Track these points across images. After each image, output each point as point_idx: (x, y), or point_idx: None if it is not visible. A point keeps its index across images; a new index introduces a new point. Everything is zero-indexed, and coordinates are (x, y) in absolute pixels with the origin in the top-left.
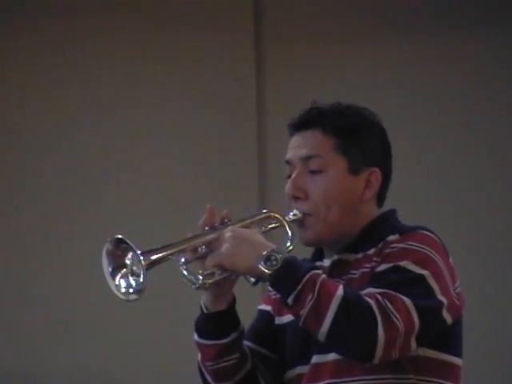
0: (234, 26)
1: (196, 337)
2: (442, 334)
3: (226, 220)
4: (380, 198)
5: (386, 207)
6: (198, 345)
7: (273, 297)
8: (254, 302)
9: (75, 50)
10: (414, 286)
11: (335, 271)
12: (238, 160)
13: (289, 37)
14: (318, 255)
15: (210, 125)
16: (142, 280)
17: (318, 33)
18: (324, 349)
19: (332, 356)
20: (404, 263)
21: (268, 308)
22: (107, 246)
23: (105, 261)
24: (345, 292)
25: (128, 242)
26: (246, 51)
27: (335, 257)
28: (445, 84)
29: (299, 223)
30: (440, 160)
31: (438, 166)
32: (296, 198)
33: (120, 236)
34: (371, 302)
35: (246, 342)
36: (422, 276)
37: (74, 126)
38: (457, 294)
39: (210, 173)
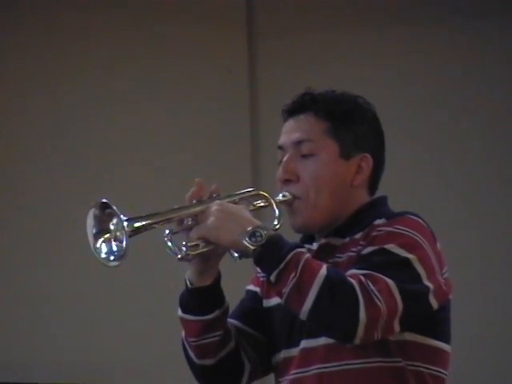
0: (226, 17)
1: (180, 312)
2: (429, 319)
3: (214, 195)
4: (372, 186)
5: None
6: (182, 320)
7: (261, 278)
8: (240, 282)
9: (69, 45)
10: (399, 270)
11: (322, 255)
12: (232, 150)
13: (281, 28)
14: (308, 239)
15: (204, 115)
16: (124, 246)
17: (310, 24)
18: (314, 333)
19: (322, 341)
20: (390, 246)
21: (256, 289)
22: (93, 210)
23: (89, 223)
24: (328, 271)
25: (113, 207)
26: (238, 42)
27: (322, 241)
28: (439, 73)
29: (288, 209)
30: (436, 150)
31: (434, 157)
32: (287, 181)
33: (105, 200)
34: (354, 282)
35: (232, 321)
36: (407, 260)
37: (67, 117)
38: (444, 279)
39: (203, 163)
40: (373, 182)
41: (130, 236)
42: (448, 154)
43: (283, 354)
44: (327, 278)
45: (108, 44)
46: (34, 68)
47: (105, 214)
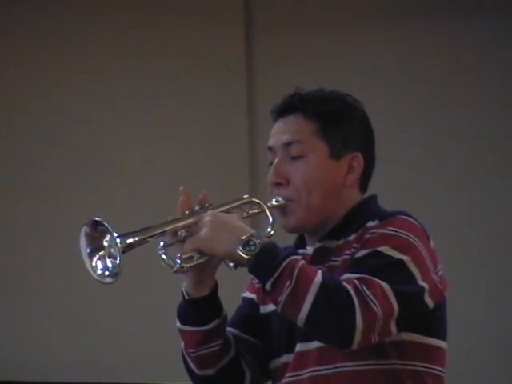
0: (224, 14)
1: (178, 323)
2: (426, 317)
3: (206, 204)
4: (363, 184)
5: (382, 195)
6: (180, 331)
7: (256, 285)
8: (237, 290)
9: (68, 42)
10: (394, 272)
11: (317, 259)
12: (229, 148)
13: (279, 25)
14: (301, 243)
15: (201, 113)
16: (118, 262)
17: (307, 21)
18: (307, 337)
19: (316, 344)
20: (383, 248)
21: (252, 296)
22: (85, 228)
23: (83, 243)
24: (323, 278)
25: (105, 224)
26: (236, 40)
27: (317, 244)
28: (435, 71)
29: (281, 210)
30: (432, 147)
31: (434, 155)
32: (277, 185)
33: (97, 218)
34: (349, 287)
35: (230, 329)
36: (401, 261)
37: (66, 116)
38: (439, 277)
39: (200, 161)
40: (364, 181)
41: (123, 252)
42: (448, 153)
43: (284, 358)
44: (322, 284)
45: (105, 41)
46: (34, 68)
47: (97, 231)
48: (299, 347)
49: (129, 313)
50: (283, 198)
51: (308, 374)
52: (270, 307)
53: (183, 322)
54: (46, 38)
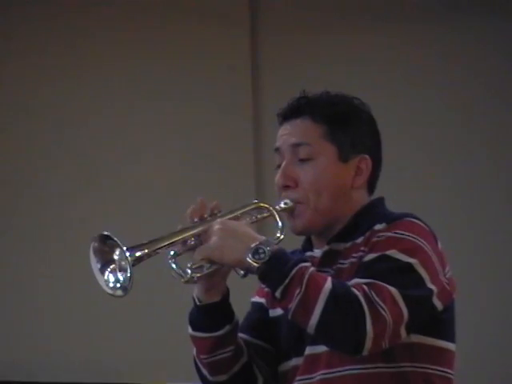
0: (229, 14)
1: (190, 330)
2: (435, 320)
3: (215, 211)
4: (370, 186)
5: (387, 196)
6: (192, 338)
7: (265, 289)
8: (248, 295)
9: (69, 44)
10: (402, 275)
11: (326, 261)
12: (234, 148)
13: (284, 25)
14: (309, 245)
15: (206, 113)
16: (128, 275)
17: (313, 22)
18: (317, 340)
19: (325, 347)
20: (391, 252)
21: (261, 300)
22: (93, 244)
23: (93, 259)
24: (333, 285)
25: (114, 238)
26: (241, 40)
27: (326, 247)
28: (441, 73)
29: (289, 212)
30: (436, 149)
31: (434, 156)
32: (286, 187)
33: (106, 232)
34: (359, 294)
35: (241, 335)
36: (409, 265)
37: (67, 116)
38: (447, 279)
39: (206, 162)
40: (371, 183)
41: (133, 265)
42: (448, 153)
43: (293, 362)
44: (332, 292)
45: (108, 42)
46: (34, 67)
47: (106, 245)
48: (309, 350)
49: (129, 313)
50: (292, 201)
51: (318, 377)
52: (279, 311)
53: (195, 329)
54: (46, 37)
